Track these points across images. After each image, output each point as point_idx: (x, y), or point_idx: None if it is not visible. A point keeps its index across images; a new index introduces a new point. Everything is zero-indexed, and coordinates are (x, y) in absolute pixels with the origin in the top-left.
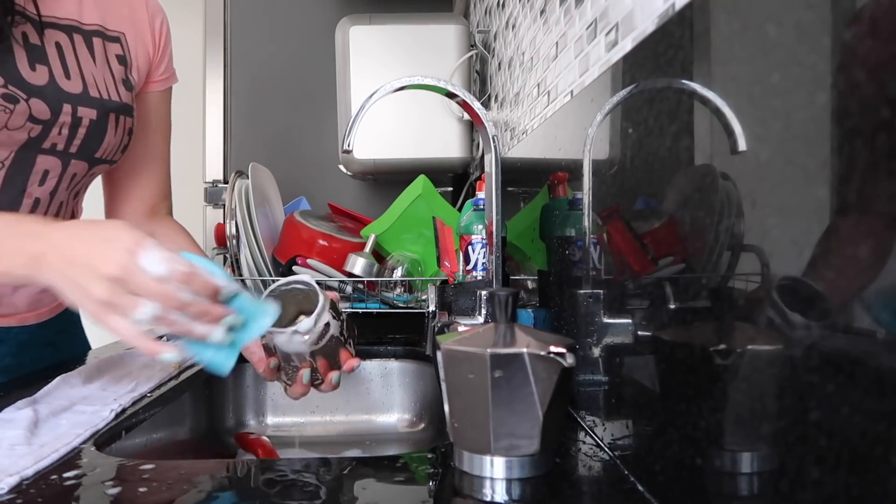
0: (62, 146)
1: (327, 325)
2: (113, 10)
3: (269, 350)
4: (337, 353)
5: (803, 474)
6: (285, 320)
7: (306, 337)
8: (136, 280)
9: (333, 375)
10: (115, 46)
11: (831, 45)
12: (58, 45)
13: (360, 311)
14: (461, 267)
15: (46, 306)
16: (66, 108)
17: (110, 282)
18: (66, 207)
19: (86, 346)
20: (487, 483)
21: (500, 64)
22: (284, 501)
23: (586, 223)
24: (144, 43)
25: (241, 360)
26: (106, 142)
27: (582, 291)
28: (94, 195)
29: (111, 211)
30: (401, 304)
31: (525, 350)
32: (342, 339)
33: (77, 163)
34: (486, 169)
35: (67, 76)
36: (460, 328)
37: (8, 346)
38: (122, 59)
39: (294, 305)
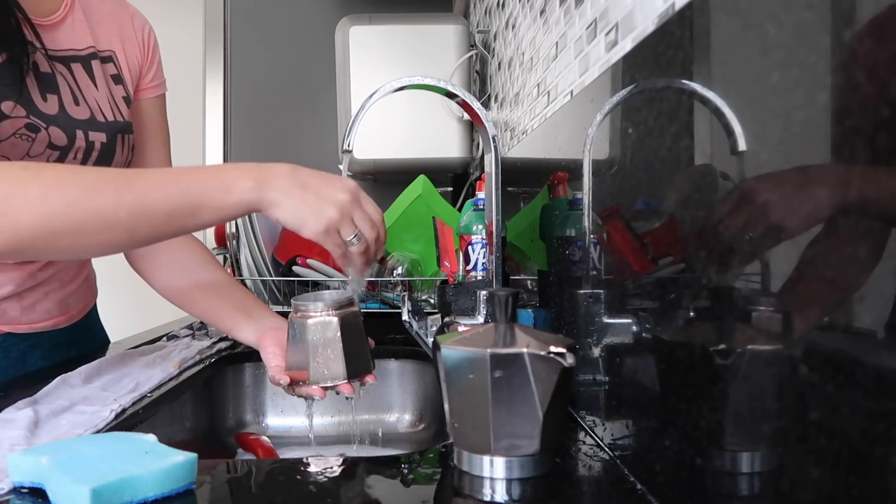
0: None
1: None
2: (101, 28)
3: (297, 343)
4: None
5: (803, 474)
6: None
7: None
8: (357, 212)
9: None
10: (110, 66)
11: (831, 45)
12: (61, 75)
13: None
14: (461, 267)
15: (75, 308)
16: (80, 133)
17: (340, 207)
18: None
19: (106, 340)
20: (487, 483)
21: (500, 64)
22: (284, 501)
23: (586, 223)
24: (134, 55)
25: (244, 359)
26: (115, 161)
27: (582, 291)
28: None
29: None
30: (401, 304)
31: (525, 350)
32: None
33: None
34: (486, 169)
35: (76, 103)
36: (460, 328)
37: (42, 349)
38: (118, 78)
39: None
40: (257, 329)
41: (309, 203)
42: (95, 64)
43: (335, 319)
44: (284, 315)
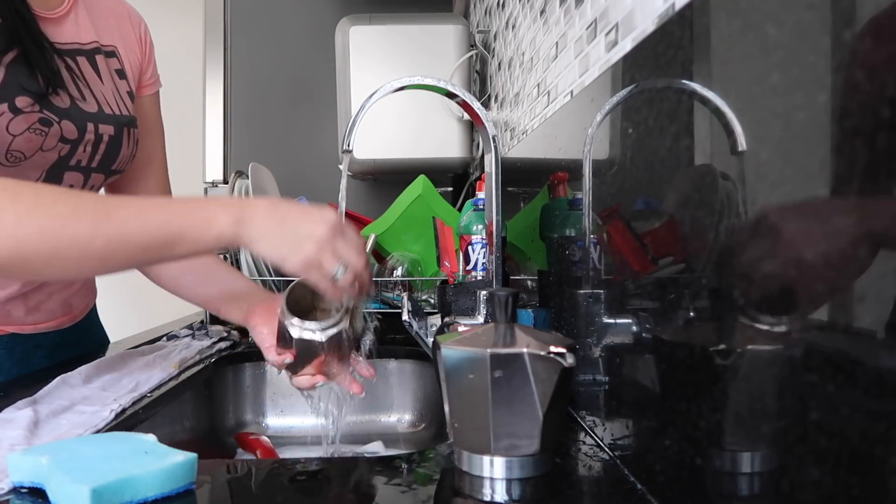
0: (85, 162)
1: (339, 333)
2: (102, 24)
3: (285, 341)
4: (348, 349)
5: (803, 474)
6: (303, 306)
7: (316, 335)
8: (339, 242)
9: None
10: (113, 61)
11: (831, 45)
12: (68, 69)
13: None
14: (461, 267)
15: (78, 307)
16: (90, 126)
17: (318, 241)
18: None
19: (106, 340)
20: (487, 483)
21: (500, 64)
22: (284, 501)
23: (586, 223)
24: (134, 52)
25: (244, 359)
26: (121, 154)
27: (582, 291)
28: None
29: None
30: (401, 305)
31: (525, 350)
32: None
33: (96, 176)
34: (486, 169)
35: (83, 98)
36: (460, 328)
37: (44, 350)
38: (121, 73)
39: (312, 296)
40: (242, 308)
41: (287, 240)
42: (100, 58)
43: (320, 338)
44: None
